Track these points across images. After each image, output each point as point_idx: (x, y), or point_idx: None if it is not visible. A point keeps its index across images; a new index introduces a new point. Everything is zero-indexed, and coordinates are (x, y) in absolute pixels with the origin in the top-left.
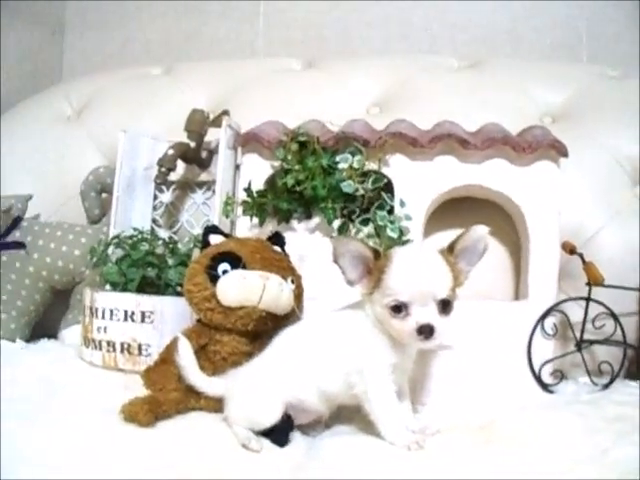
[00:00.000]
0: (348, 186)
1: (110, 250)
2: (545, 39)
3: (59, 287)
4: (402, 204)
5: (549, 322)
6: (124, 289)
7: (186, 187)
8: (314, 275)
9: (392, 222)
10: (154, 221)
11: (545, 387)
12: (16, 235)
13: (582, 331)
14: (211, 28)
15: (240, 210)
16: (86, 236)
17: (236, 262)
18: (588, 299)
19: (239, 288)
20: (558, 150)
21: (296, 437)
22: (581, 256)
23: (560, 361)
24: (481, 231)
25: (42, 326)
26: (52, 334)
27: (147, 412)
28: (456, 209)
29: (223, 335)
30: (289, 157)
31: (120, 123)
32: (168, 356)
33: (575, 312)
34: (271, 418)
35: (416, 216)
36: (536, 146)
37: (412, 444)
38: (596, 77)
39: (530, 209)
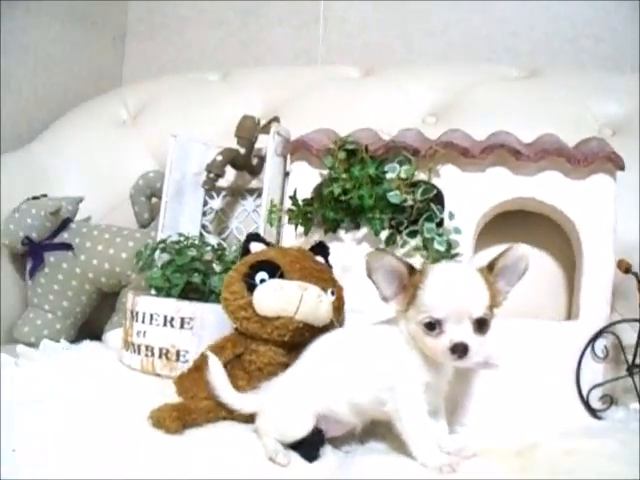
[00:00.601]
0: (395, 196)
1: (157, 255)
2: (607, 49)
3: (105, 289)
4: (451, 216)
5: (600, 344)
6: (168, 294)
7: (237, 194)
8: (360, 287)
9: (440, 235)
10: (204, 227)
11: (593, 412)
12: (64, 236)
13: (635, 355)
14: (269, 34)
15: (292, 219)
16: (134, 240)
17: (274, 271)
18: None
19: (276, 298)
20: (615, 163)
21: (327, 452)
22: (636, 275)
23: (611, 386)
24: (523, 250)
25: (89, 328)
26: (98, 336)
27: (175, 419)
28: (509, 223)
29: (259, 345)
30: (337, 165)
31: (175, 128)
32: (202, 364)
33: (628, 335)
34: (302, 430)
35: (466, 229)
36: (592, 159)
37: (445, 466)
38: None
39: (584, 224)
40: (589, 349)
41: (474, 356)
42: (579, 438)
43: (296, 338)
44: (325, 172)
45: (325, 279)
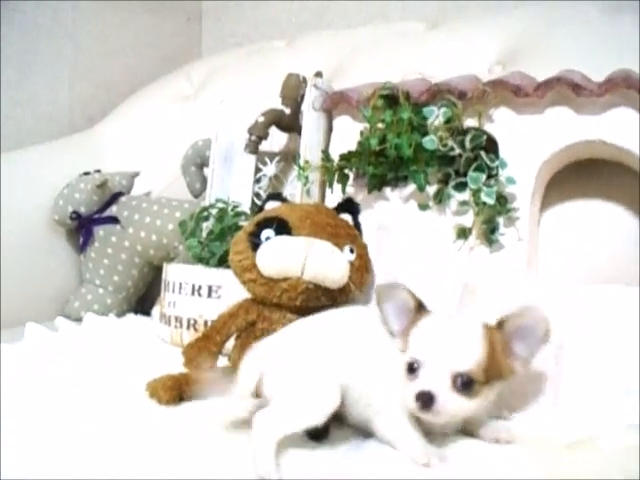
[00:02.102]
0: (430, 142)
1: (204, 225)
2: None
3: (155, 262)
4: (502, 165)
5: None
6: (208, 265)
7: (290, 158)
8: (401, 249)
9: (489, 186)
10: (257, 195)
11: None
12: (113, 210)
13: None
14: (341, 1)
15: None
16: (181, 210)
17: (282, 228)
18: None
19: (279, 256)
20: None
21: (344, 434)
22: None
23: None
24: (539, 314)
25: (148, 303)
26: None
27: (168, 389)
28: (585, 176)
29: (273, 311)
30: (373, 114)
31: (237, 97)
32: (211, 333)
33: None
34: (328, 406)
35: (523, 180)
36: None
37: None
38: None
39: None
40: None
41: (444, 413)
42: None
43: (310, 302)
44: (367, 126)
45: (341, 235)
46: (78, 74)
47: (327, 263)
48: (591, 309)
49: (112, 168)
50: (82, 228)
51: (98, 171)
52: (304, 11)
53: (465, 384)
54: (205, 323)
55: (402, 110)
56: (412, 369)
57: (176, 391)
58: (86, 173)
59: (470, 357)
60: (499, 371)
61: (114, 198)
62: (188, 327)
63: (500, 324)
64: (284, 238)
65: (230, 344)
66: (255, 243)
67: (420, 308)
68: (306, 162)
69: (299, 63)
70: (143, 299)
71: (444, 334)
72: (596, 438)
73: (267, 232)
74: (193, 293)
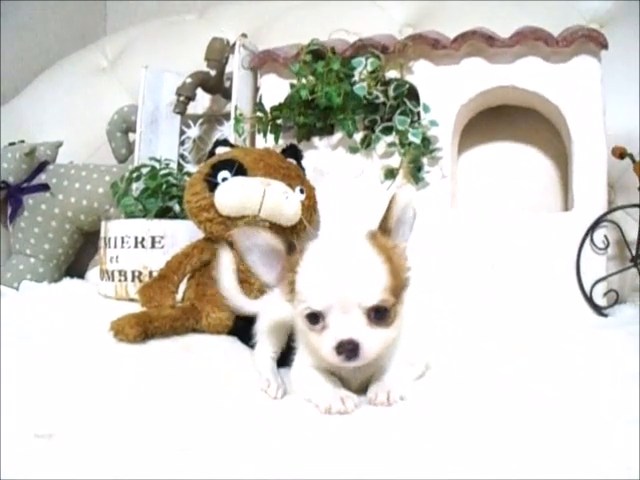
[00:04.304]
0: (361, 89)
1: (134, 186)
2: None
3: (86, 228)
4: (426, 109)
5: (599, 234)
6: None
7: (213, 120)
8: (334, 191)
9: (415, 128)
10: (182, 157)
11: (597, 309)
12: (42, 178)
13: (638, 244)
14: None
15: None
16: (110, 174)
17: (238, 170)
18: None
19: (237, 195)
20: (596, 41)
21: None
22: (631, 157)
23: (618, 284)
24: (405, 196)
25: (76, 270)
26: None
27: (134, 325)
28: (496, 122)
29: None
30: (302, 67)
31: (152, 68)
32: (167, 273)
33: (631, 226)
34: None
35: (444, 123)
36: (570, 38)
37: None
38: None
39: (570, 108)
40: (588, 240)
41: (369, 353)
42: (583, 330)
43: None
44: (295, 81)
45: (292, 176)
46: None
47: (282, 201)
48: (515, 232)
49: (32, 142)
50: (11, 197)
51: (22, 141)
52: None
53: (380, 314)
54: (150, 274)
55: (332, 61)
56: (315, 320)
57: (142, 327)
58: (11, 143)
59: (376, 284)
60: (402, 280)
61: (42, 167)
62: (133, 279)
63: (384, 227)
64: (242, 178)
65: None
66: (212, 183)
67: (291, 248)
68: (240, 114)
69: (213, 34)
70: (71, 267)
71: (336, 270)
72: (538, 338)
73: (224, 173)
74: (136, 245)
